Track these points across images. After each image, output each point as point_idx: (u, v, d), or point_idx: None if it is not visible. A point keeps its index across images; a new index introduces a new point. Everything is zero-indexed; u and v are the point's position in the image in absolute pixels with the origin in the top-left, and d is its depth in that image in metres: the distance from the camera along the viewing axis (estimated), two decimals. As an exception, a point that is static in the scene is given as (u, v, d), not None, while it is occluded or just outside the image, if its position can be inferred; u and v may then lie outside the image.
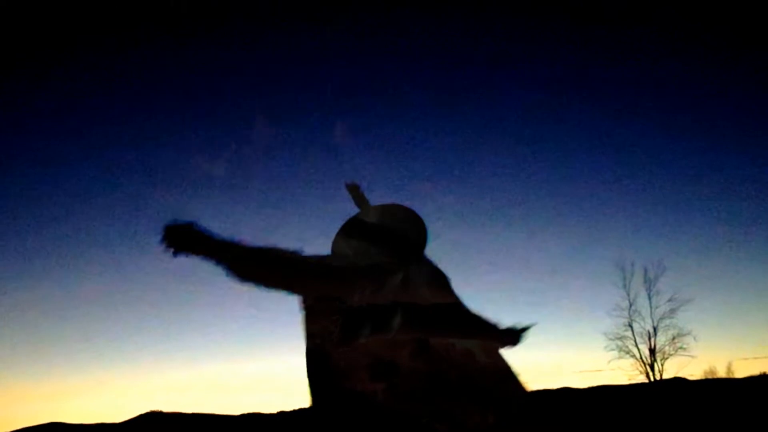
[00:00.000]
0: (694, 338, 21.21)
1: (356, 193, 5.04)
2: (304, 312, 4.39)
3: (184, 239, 3.13)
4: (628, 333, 21.63)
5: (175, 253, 3.15)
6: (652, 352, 21.93)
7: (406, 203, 5.06)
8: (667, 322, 21.69)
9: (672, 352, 21.66)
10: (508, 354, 4.38)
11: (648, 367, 21.98)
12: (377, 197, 4.97)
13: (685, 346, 21.19)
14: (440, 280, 5.32)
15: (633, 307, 21.94)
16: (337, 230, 5.36)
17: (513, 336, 5.08)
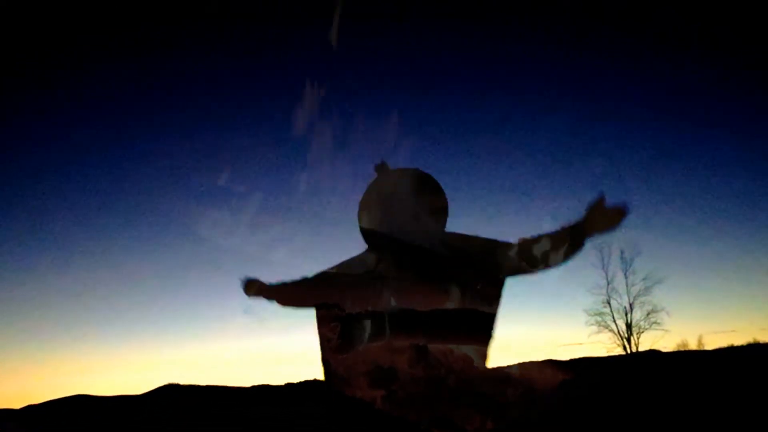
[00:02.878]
0: (668, 314, 21.85)
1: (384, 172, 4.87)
2: (316, 321, 4.62)
3: (254, 290, 4.61)
4: (607, 309, 22.17)
5: (249, 295, 4.68)
6: (629, 326, 22.42)
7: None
8: (643, 299, 22.29)
9: (647, 327, 22.23)
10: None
11: (625, 341, 22.55)
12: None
13: (659, 321, 21.77)
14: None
15: (611, 286, 22.48)
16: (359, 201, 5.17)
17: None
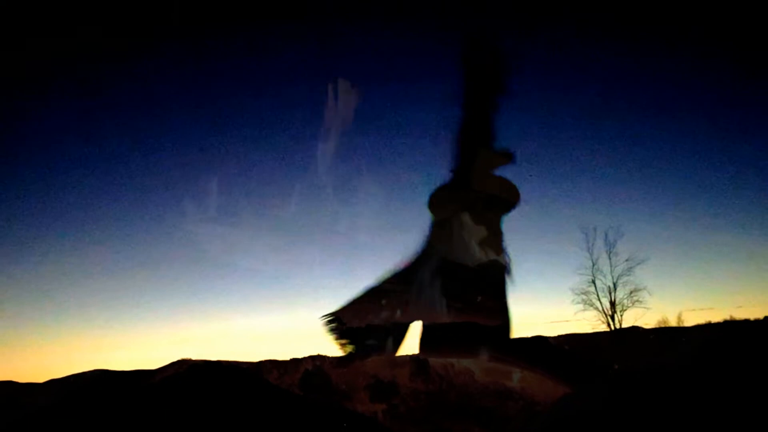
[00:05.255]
0: (649, 292, 22.25)
1: (500, 161, 5.03)
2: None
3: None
4: (592, 288, 22.52)
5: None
6: (613, 304, 22.76)
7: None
8: (625, 278, 22.65)
9: (630, 305, 22.68)
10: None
11: (609, 318, 22.94)
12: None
13: (641, 299, 22.21)
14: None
15: (595, 266, 22.75)
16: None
17: None
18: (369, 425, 3.93)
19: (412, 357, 4.16)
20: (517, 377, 4.07)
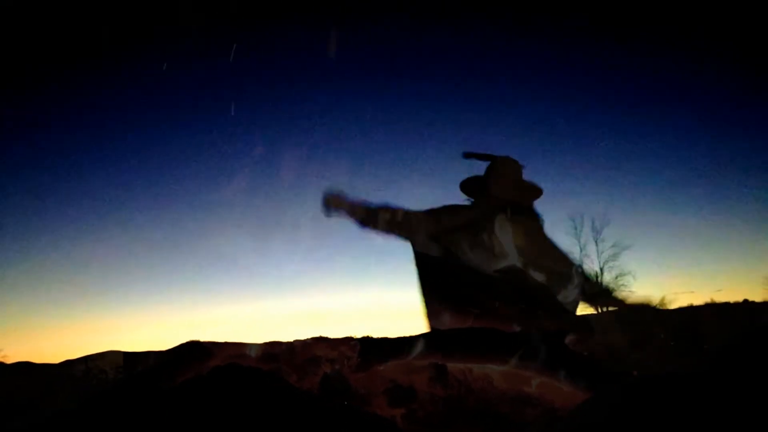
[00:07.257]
0: (634, 277, 23.03)
1: (476, 156, 4.98)
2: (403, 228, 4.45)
3: (335, 204, 4.50)
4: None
5: (328, 214, 4.48)
6: (600, 288, 23.38)
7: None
8: (612, 264, 23.36)
9: (615, 289, 23.39)
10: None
11: (596, 301, 23.61)
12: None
13: (626, 283, 22.96)
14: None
15: (583, 252, 23.34)
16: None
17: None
18: (389, 429, 3.86)
19: (431, 362, 4.09)
20: (535, 383, 4.03)
